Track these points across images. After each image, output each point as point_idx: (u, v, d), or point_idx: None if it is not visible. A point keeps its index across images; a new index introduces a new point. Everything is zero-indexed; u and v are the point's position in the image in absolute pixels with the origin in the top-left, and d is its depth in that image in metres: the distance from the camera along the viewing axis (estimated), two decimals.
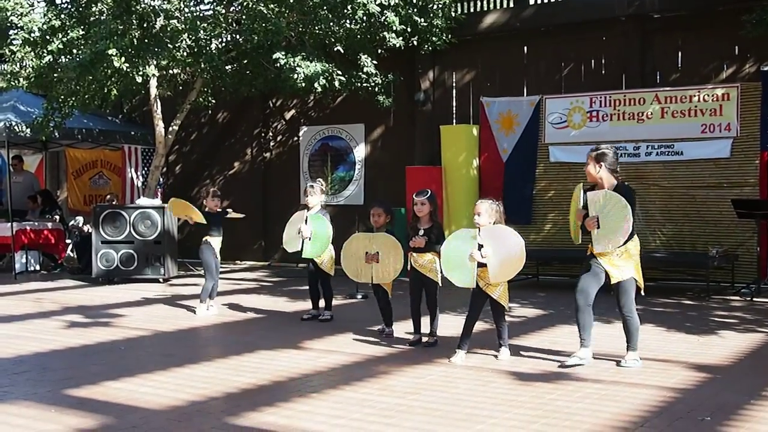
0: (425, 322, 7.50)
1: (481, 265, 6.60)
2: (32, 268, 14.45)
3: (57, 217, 15.16)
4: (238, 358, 6.92)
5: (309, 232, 8.58)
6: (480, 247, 6.62)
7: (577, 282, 6.48)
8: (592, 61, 13.25)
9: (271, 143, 16.37)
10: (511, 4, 14.11)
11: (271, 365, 6.60)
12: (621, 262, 6.36)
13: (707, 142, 11.73)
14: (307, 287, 9.17)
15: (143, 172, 16.00)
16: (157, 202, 13.44)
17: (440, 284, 7.39)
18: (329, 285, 8.95)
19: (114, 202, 14.40)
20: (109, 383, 5.92)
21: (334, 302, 9.67)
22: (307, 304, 9.45)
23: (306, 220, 8.67)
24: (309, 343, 7.58)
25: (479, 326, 7.15)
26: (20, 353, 7.14)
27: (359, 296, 10.76)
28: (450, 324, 8.15)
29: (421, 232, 7.34)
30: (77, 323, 8.89)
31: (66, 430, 4.72)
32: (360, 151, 15.16)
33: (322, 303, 8.99)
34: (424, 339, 7.44)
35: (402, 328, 7.98)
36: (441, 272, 7.09)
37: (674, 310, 9.63)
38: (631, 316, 6.45)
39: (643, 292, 6.57)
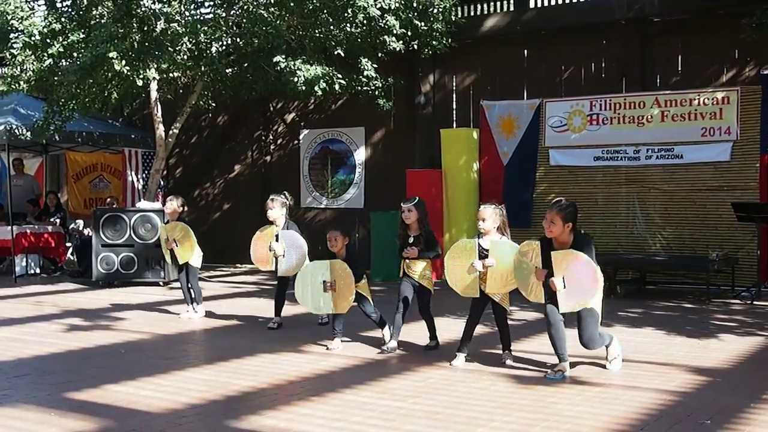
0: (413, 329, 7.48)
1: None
2: (32, 272, 14.45)
3: (58, 220, 15.16)
4: (238, 361, 6.92)
5: (282, 250, 8.47)
6: (482, 256, 6.59)
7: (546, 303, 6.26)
8: (592, 64, 13.27)
9: (272, 146, 16.38)
10: (512, 8, 14.13)
11: (272, 368, 6.60)
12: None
13: (707, 145, 11.74)
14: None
15: (143, 175, 16.01)
16: (158, 205, 13.44)
17: (432, 292, 7.36)
18: None
19: (114, 206, 14.41)
20: (110, 386, 5.92)
21: None
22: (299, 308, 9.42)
23: (276, 237, 8.54)
24: (309, 347, 7.58)
25: (479, 329, 7.14)
26: (20, 356, 7.14)
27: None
28: (450, 327, 8.15)
29: (411, 240, 7.29)
30: (77, 326, 8.89)
31: None
32: (360, 155, 15.17)
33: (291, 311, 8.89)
34: (426, 343, 7.43)
35: (407, 332, 7.98)
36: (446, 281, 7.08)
37: (674, 314, 9.63)
38: (595, 348, 6.29)
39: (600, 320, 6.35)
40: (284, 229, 8.61)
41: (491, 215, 6.65)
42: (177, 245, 9.47)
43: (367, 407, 5.33)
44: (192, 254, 9.56)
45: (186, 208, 9.96)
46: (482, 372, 6.42)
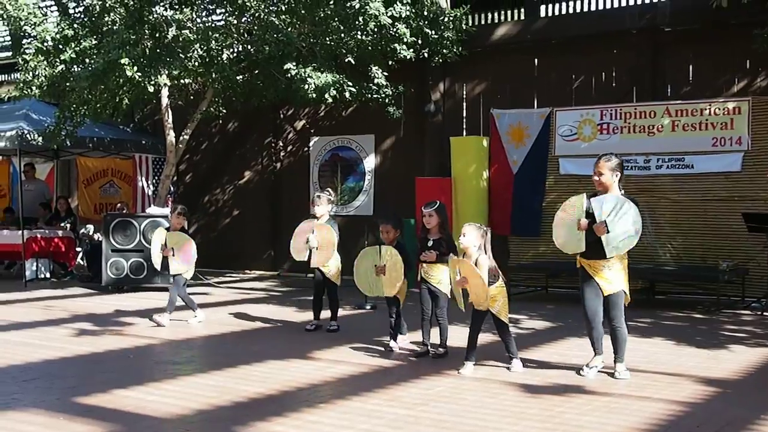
0: (434, 334, 7.48)
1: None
2: (42, 276, 14.50)
3: (68, 225, 15.21)
4: (246, 367, 6.92)
5: (316, 242, 8.63)
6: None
7: (582, 301, 6.50)
8: (603, 73, 13.25)
9: (282, 153, 16.41)
10: (522, 17, 14.14)
11: (280, 375, 6.60)
12: (611, 274, 6.39)
13: (718, 155, 11.71)
14: (301, 298, 9.16)
15: (154, 180, 16.07)
16: (167, 211, 13.46)
17: (449, 297, 7.39)
18: (336, 295, 8.94)
19: (124, 211, 14.45)
20: (118, 391, 5.93)
21: (343, 313, 9.70)
22: (307, 315, 9.44)
23: (313, 230, 8.72)
24: (318, 353, 7.58)
25: (488, 338, 7.14)
26: (29, 360, 7.17)
27: (368, 307, 10.76)
28: (458, 335, 8.12)
29: (430, 244, 7.34)
30: (86, 331, 8.91)
31: None
32: (370, 162, 15.18)
33: (326, 313, 8.97)
34: (432, 350, 7.43)
35: (412, 339, 7.98)
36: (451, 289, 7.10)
37: (684, 324, 9.60)
38: (620, 327, 6.49)
39: (627, 300, 6.56)
40: (324, 224, 8.73)
41: (473, 232, 6.66)
42: (174, 254, 9.44)
43: (375, 415, 5.32)
44: (186, 268, 9.56)
45: (186, 224, 9.92)
46: (490, 380, 6.41)
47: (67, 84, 12.75)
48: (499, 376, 6.54)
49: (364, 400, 5.74)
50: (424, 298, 7.44)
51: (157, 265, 9.81)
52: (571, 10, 13.94)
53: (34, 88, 13.08)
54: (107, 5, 12.13)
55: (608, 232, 6.29)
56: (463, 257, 6.69)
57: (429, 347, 7.44)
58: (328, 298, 8.91)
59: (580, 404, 5.64)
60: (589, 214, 6.43)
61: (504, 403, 5.68)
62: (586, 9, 13.79)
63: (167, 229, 9.82)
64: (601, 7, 13.68)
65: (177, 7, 12.08)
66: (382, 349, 7.77)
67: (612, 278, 6.40)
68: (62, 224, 15.18)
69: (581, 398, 5.81)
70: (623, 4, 13.44)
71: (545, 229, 12.73)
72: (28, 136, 13.66)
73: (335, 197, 9.37)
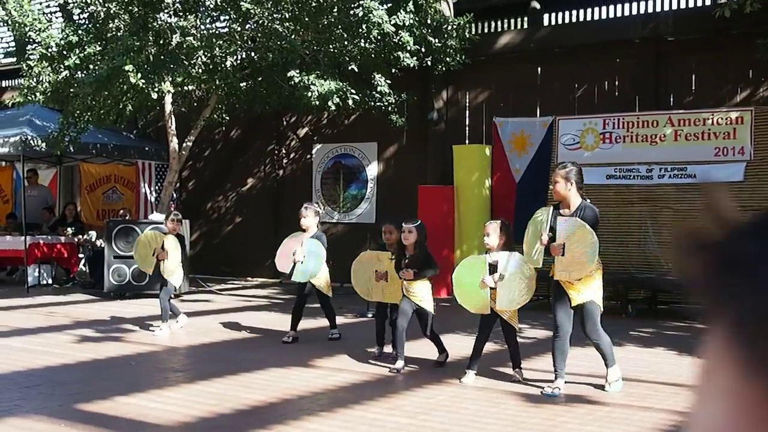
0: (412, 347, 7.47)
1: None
2: (45, 282, 14.50)
3: (70, 230, 15.18)
4: (248, 375, 6.92)
5: (301, 256, 8.58)
6: (492, 271, 6.61)
7: (554, 315, 6.39)
8: (606, 82, 13.27)
9: (284, 160, 16.43)
10: (525, 25, 14.16)
11: (281, 382, 6.60)
12: (581, 285, 6.25)
13: (721, 165, 11.71)
14: (316, 306, 9.11)
15: (156, 187, 16.08)
16: None
17: (434, 313, 7.36)
18: (330, 305, 8.90)
19: (127, 217, 14.47)
20: (120, 398, 5.93)
21: (345, 321, 9.70)
22: (316, 323, 9.45)
23: (302, 243, 8.66)
24: (319, 362, 7.58)
25: (490, 347, 7.13)
26: (31, 367, 7.17)
27: (369, 315, 10.74)
28: (460, 344, 8.13)
29: (406, 260, 7.31)
30: (88, 337, 8.91)
31: None
32: (372, 170, 15.19)
33: (304, 324, 8.93)
34: (438, 359, 7.42)
35: (416, 348, 7.98)
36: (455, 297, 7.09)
37: (686, 334, 9.58)
38: (599, 339, 6.29)
39: (600, 308, 6.39)
40: (312, 237, 8.68)
41: (495, 230, 6.69)
42: (167, 258, 9.43)
43: (376, 424, 5.32)
44: (173, 272, 9.54)
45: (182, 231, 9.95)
46: (492, 390, 6.41)
47: (71, 90, 12.79)
48: (500, 386, 6.53)
49: (365, 408, 5.74)
50: (403, 311, 7.32)
51: (147, 269, 9.85)
52: (574, 19, 13.97)
53: (38, 94, 13.12)
54: (112, 12, 12.17)
55: (563, 254, 6.19)
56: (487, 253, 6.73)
57: (399, 362, 7.26)
58: (323, 309, 8.88)
59: (581, 414, 5.63)
60: (553, 229, 6.34)
61: (505, 413, 5.68)
62: (589, 18, 13.82)
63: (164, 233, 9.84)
64: (603, 16, 13.71)
65: (181, 14, 12.12)
66: (384, 358, 7.75)
67: (582, 288, 6.23)
68: (68, 229, 15.17)
69: (583, 408, 5.81)
70: (626, 13, 13.47)
71: None
72: (31, 141, 13.69)
73: (323, 209, 9.34)
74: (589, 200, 6.54)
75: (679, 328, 10.05)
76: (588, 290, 6.25)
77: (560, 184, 6.35)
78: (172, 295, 12.60)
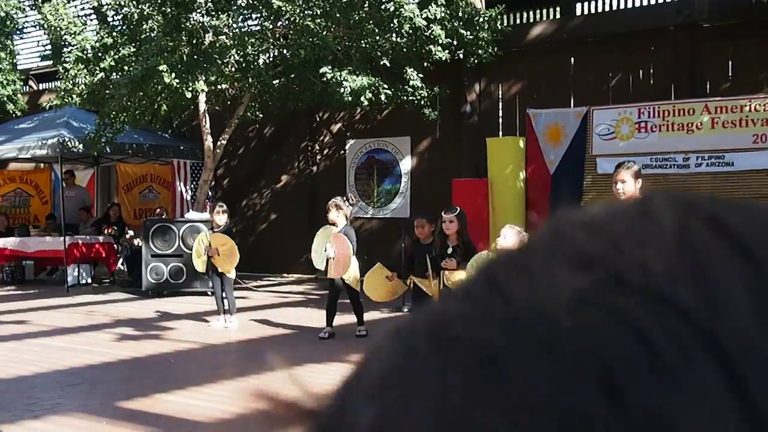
0: None
1: None
2: (84, 281, 14.68)
3: (114, 228, 15.31)
4: (286, 371, 6.94)
5: (333, 252, 8.59)
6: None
7: None
8: (641, 71, 13.12)
9: (318, 156, 16.47)
10: (558, 15, 14.05)
11: (320, 378, 6.62)
12: None
13: (759, 152, 11.53)
14: (346, 301, 9.08)
15: (192, 186, 16.21)
16: (206, 215, 13.56)
17: None
18: (359, 300, 8.89)
19: (163, 216, 14.60)
20: (160, 395, 5.99)
21: (381, 315, 9.69)
22: (350, 318, 9.46)
23: (330, 240, 8.68)
24: (356, 357, 7.57)
25: None
26: (72, 365, 7.26)
27: (405, 309, 10.74)
28: None
29: (450, 251, 7.31)
30: (128, 336, 9.01)
31: None
32: (406, 164, 15.18)
33: (343, 319, 8.95)
34: None
35: None
36: None
37: None
38: None
39: None
40: (341, 232, 8.68)
41: (513, 237, 6.59)
42: (219, 255, 9.56)
43: None
44: (232, 268, 9.70)
45: (229, 220, 10.05)
46: None
47: (107, 91, 12.93)
48: None
49: None
50: None
51: (200, 268, 9.97)
52: (606, 8, 13.82)
53: (74, 96, 13.29)
54: (145, 13, 12.27)
55: None
56: None
57: None
58: (352, 305, 8.85)
59: None
60: None
61: None
62: (622, 6, 13.67)
63: (211, 229, 9.98)
64: (637, 3, 13.56)
65: (213, 13, 12.19)
66: None
67: None
68: (113, 227, 15.31)
69: None
70: (660, 0, 13.31)
71: None
72: (69, 143, 13.86)
73: (353, 200, 9.37)
74: None
75: None
76: None
77: (629, 184, 5.79)
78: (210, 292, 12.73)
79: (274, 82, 13.30)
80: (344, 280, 8.73)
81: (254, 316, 10.48)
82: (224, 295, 9.75)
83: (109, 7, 12.90)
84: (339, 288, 8.84)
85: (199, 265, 9.94)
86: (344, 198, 9.12)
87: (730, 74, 12.48)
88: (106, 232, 15.16)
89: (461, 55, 13.05)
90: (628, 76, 13.17)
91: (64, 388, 6.34)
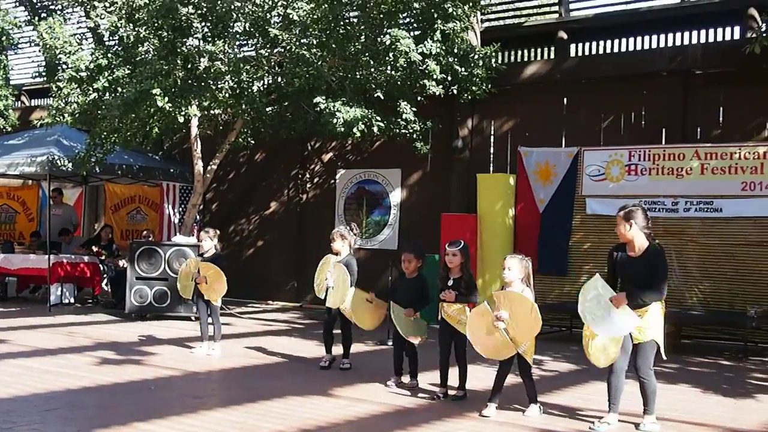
0: (453, 375, 7.40)
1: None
2: (67, 301, 14.55)
3: (99, 252, 15.18)
4: (267, 403, 6.89)
5: (332, 281, 8.57)
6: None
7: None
8: (632, 114, 13.20)
9: (308, 185, 16.46)
10: (552, 56, 14.15)
11: (300, 412, 6.56)
12: (643, 323, 6.24)
13: (748, 199, 11.60)
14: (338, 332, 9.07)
15: (180, 209, 16.16)
16: (194, 240, 13.51)
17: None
18: (350, 332, 8.82)
19: (150, 238, 14.53)
20: (138, 424, 5.92)
21: (365, 348, 9.65)
22: (339, 350, 9.39)
23: (332, 267, 8.67)
24: (338, 391, 7.53)
25: (512, 380, 7.06)
26: (52, 389, 7.18)
27: (390, 343, 10.67)
28: (480, 376, 8.05)
29: (450, 283, 7.32)
30: (109, 360, 8.92)
31: None
32: (396, 196, 15.19)
33: (338, 349, 8.89)
34: (452, 392, 7.35)
35: (430, 379, 7.90)
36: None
37: (710, 370, 9.45)
38: (647, 379, 6.30)
39: (664, 356, 6.43)
40: (343, 262, 8.65)
41: (516, 266, 6.69)
42: (207, 282, 9.52)
43: None
44: (218, 296, 9.65)
45: (218, 244, 9.99)
46: (512, 425, 6.34)
47: (99, 112, 12.90)
48: (520, 421, 6.46)
49: None
50: (443, 338, 7.35)
51: (186, 294, 9.91)
52: (601, 51, 13.95)
53: (66, 115, 13.26)
54: (141, 36, 12.29)
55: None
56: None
57: (448, 389, 7.33)
58: (342, 336, 8.82)
59: None
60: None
61: None
62: (616, 50, 13.80)
63: (201, 255, 9.93)
64: (631, 48, 13.68)
65: (210, 39, 12.22)
66: (403, 388, 7.69)
67: (643, 326, 6.25)
68: (101, 250, 15.17)
69: None
70: (654, 45, 13.44)
71: (572, 269, 12.66)
72: (58, 161, 13.81)
73: (357, 230, 9.37)
74: (657, 241, 6.49)
75: (703, 364, 9.92)
76: (649, 329, 6.26)
77: (618, 226, 6.38)
78: (194, 318, 12.63)
79: (267, 109, 13.32)
80: (341, 310, 8.66)
81: (238, 344, 10.40)
82: (211, 321, 9.68)
83: (106, 28, 12.92)
84: (335, 317, 8.80)
85: (185, 290, 9.87)
86: (348, 227, 9.12)
87: (720, 121, 12.57)
88: (95, 252, 15.03)
89: (455, 91, 13.12)
90: (620, 119, 13.25)
91: (42, 413, 6.25)
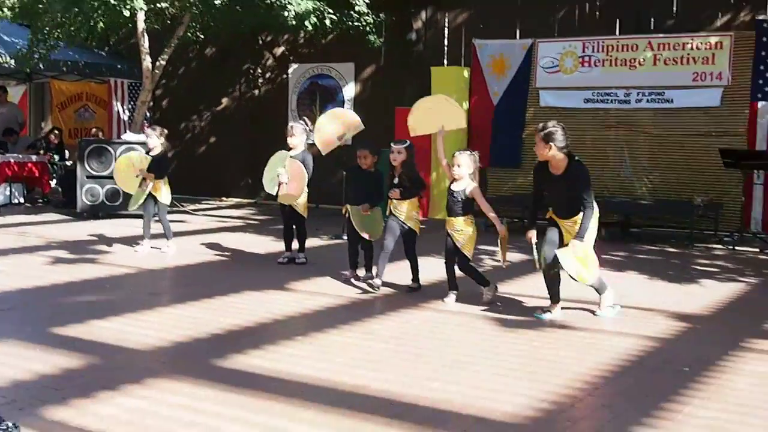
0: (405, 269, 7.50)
1: (452, 213, 6.71)
2: (16, 201, 14.33)
3: (47, 157, 14.86)
4: (223, 298, 6.93)
5: (287, 177, 8.50)
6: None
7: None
8: (587, 5, 13.09)
9: (260, 80, 16.20)
10: None
11: (257, 307, 6.62)
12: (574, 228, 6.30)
13: (698, 90, 11.70)
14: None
15: (129, 106, 15.84)
16: (143, 137, 13.26)
17: (419, 233, 7.43)
18: (304, 227, 8.84)
19: (99, 136, 14.26)
20: (95, 322, 5.93)
21: (320, 243, 9.70)
22: (294, 245, 9.44)
23: (285, 164, 8.59)
24: (294, 285, 7.60)
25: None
26: (4, 290, 7.12)
27: (345, 237, 10.74)
28: (434, 268, 8.15)
29: (396, 180, 7.35)
30: (62, 259, 8.86)
31: (53, 369, 4.73)
32: (349, 91, 15.03)
33: (295, 245, 8.91)
34: (408, 284, 7.46)
35: (392, 272, 8.00)
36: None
37: (658, 258, 9.71)
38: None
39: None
40: (299, 157, 8.55)
41: (466, 161, 6.73)
42: (152, 179, 9.30)
43: (352, 348, 5.37)
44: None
45: (165, 142, 9.71)
46: (467, 314, 6.47)
47: (40, 6, 12.44)
48: (475, 311, 6.60)
49: (340, 333, 5.77)
50: (390, 231, 7.37)
51: (129, 190, 9.63)
52: None
53: (5, 9, 12.77)
54: None
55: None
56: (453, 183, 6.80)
57: (377, 280, 7.36)
58: (296, 231, 8.83)
59: (555, 339, 5.71)
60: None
61: (481, 338, 5.74)
62: None
63: (147, 153, 9.68)
64: None
65: None
66: (359, 281, 7.78)
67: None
68: (50, 155, 14.85)
69: (558, 333, 5.89)
70: None
71: (525, 160, 12.75)
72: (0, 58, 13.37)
73: (310, 125, 9.25)
74: (577, 157, 6.49)
75: (651, 252, 10.18)
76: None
77: (537, 146, 6.30)
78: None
79: (216, 2, 12.94)
80: (293, 206, 8.62)
81: (192, 241, 10.39)
82: (157, 219, 9.53)
83: None
84: (287, 214, 8.77)
85: (124, 183, 9.60)
86: (301, 122, 9.02)
87: (674, 12, 12.53)
88: (44, 157, 14.72)
89: None
90: (574, 9, 13.14)
91: None
